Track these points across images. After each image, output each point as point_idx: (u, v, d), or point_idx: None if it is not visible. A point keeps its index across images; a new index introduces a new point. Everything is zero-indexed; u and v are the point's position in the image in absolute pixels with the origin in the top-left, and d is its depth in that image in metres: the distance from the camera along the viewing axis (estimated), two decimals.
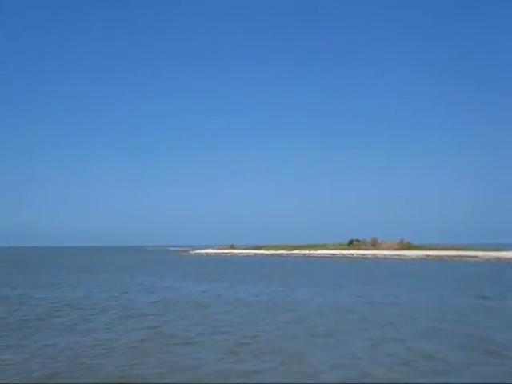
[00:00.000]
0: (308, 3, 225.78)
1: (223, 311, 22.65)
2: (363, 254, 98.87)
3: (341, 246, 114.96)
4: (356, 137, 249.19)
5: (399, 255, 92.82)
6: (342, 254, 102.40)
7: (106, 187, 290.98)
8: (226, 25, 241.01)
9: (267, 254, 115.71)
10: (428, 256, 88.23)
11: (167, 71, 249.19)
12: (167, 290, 32.74)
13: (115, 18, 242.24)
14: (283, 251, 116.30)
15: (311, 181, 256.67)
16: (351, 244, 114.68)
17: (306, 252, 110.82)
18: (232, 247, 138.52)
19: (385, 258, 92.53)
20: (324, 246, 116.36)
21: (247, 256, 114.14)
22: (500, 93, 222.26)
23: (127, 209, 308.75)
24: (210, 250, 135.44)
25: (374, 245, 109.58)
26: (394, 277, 45.38)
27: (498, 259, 77.97)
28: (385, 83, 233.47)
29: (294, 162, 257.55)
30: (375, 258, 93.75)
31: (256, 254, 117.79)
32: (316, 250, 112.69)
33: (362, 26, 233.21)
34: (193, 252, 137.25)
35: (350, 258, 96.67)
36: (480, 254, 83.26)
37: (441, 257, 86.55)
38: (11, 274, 53.85)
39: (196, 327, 18.38)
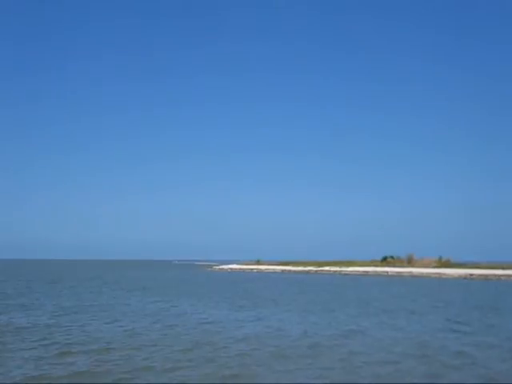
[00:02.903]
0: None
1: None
2: (398, 272, 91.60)
3: (373, 263, 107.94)
4: (385, 153, 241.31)
5: (439, 273, 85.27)
6: (376, 272, 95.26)
7: (125, 199, 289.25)
8: (241, 35, 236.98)
9: (295, 271, 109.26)
10: (472, 275, 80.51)
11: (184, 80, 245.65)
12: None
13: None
14: (311, 268, 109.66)
15: (339, 195, 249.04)
16: (385, 261, 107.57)
17: (337, 269, 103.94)
18: (258, 263, 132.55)
19: (422, 276, 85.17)
20: (355, 263, 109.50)
21: (274, 272, 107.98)
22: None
23: (153, 222, 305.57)
24: (234, 266, 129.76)
25: (410, 262, 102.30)
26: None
27: None
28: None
29: (324, 176, 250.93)
30: (412, 276, 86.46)
31: (283, 271, 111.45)
32: (347, 266, 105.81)
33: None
34: (217, 267, 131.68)
35: (385, 275, 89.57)
36: None
37: (486, 276, 78.78)
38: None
39: None
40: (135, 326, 21.69)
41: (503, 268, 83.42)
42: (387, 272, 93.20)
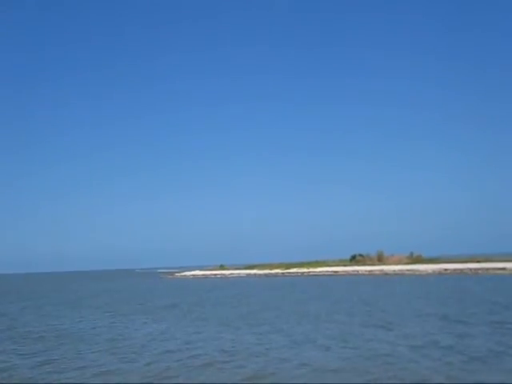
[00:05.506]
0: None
1: None
2: (370, 270, 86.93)
3: (342, 262, 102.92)
4: (353, 147, 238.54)
5: (412, 270, 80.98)
6: (346, 271, 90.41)
7: (92, 207, 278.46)
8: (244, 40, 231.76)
9: (261, 274, 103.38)
10: (446, 270, 76.49)
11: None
12: None
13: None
14: (278, 270, 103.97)
15: (306, 193, 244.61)
16: (354, 259, 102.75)
17: (305, 270, 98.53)
18: (222, 268, 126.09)
19: (395, 273, 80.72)
20: (324, 263, 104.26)
21: (239, 277, 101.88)
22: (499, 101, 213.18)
23: (115, 230, 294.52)
24: (197, 272, 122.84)
25: (381, 259, 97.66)
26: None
27: None
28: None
29: (289, 173, 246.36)
30: (384, 274, 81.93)
31: (248, 275, 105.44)
32: (315, 267, 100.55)
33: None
34: (179, 274, 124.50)
35: (355, 274, 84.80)
36: (508, 265, 71.65)
37: (461, 270, 74.89)
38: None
39: None
40: None
41: (478, 261, 79.77)
42: (357, 271, 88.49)
